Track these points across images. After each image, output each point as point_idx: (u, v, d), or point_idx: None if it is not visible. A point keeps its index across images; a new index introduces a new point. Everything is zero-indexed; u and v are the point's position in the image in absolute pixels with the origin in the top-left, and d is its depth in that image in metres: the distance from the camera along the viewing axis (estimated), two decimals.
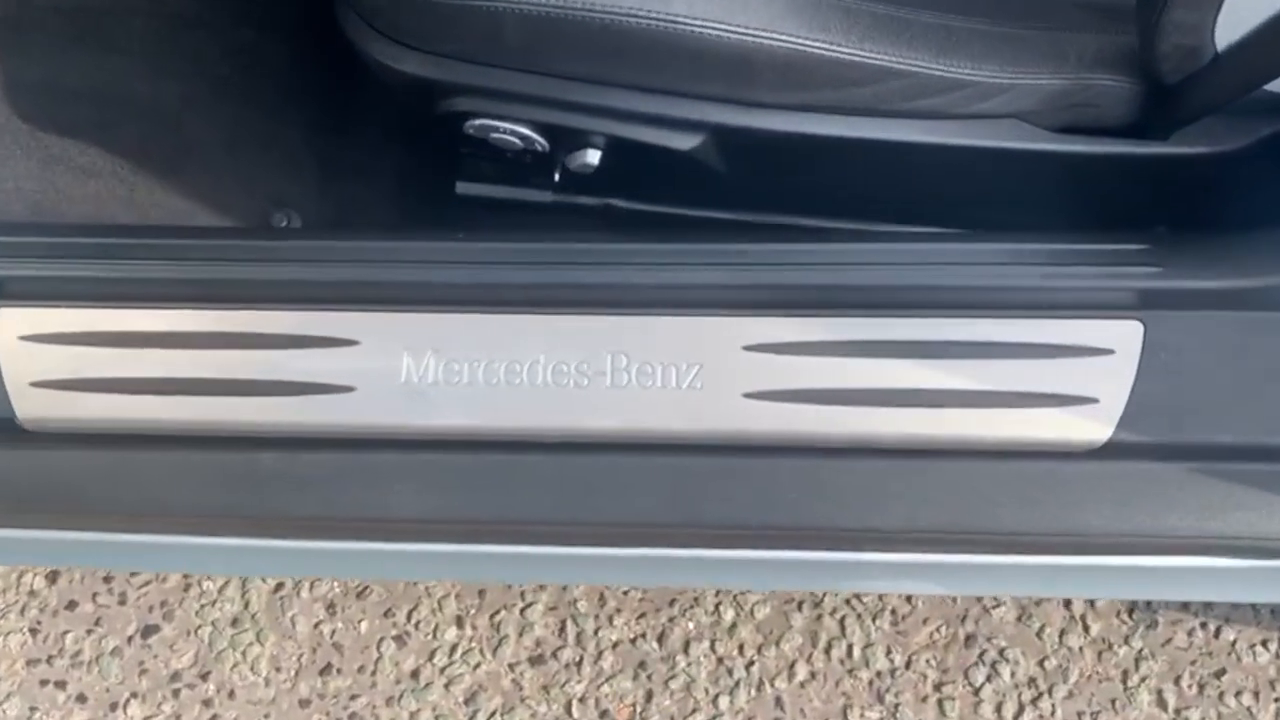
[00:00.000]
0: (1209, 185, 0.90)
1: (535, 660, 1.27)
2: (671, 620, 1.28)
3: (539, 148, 0.90)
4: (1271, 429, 0.77)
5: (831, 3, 0.79)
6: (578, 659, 1.27)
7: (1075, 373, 0.78)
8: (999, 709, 1.23)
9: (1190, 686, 1.24)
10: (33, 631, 1.30)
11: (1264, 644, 1.25)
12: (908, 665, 1.25)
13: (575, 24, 0.77)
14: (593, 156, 0.90)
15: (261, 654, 1.28)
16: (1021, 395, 0.78)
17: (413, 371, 0.81)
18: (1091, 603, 1.27)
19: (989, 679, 1.25)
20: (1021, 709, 1.23)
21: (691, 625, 1.28)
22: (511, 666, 1.27)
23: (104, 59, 1.10)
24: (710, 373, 0.80)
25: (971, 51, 0.81)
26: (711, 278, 0.81)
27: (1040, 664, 1.25)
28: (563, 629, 1.28)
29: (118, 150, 1.08)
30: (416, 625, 1.29)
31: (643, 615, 1.28)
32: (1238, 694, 1.23)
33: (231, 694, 1.27)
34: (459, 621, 1.29)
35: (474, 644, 1.28)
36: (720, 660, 1.26)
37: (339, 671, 1.27)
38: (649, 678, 1.26)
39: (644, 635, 1.27)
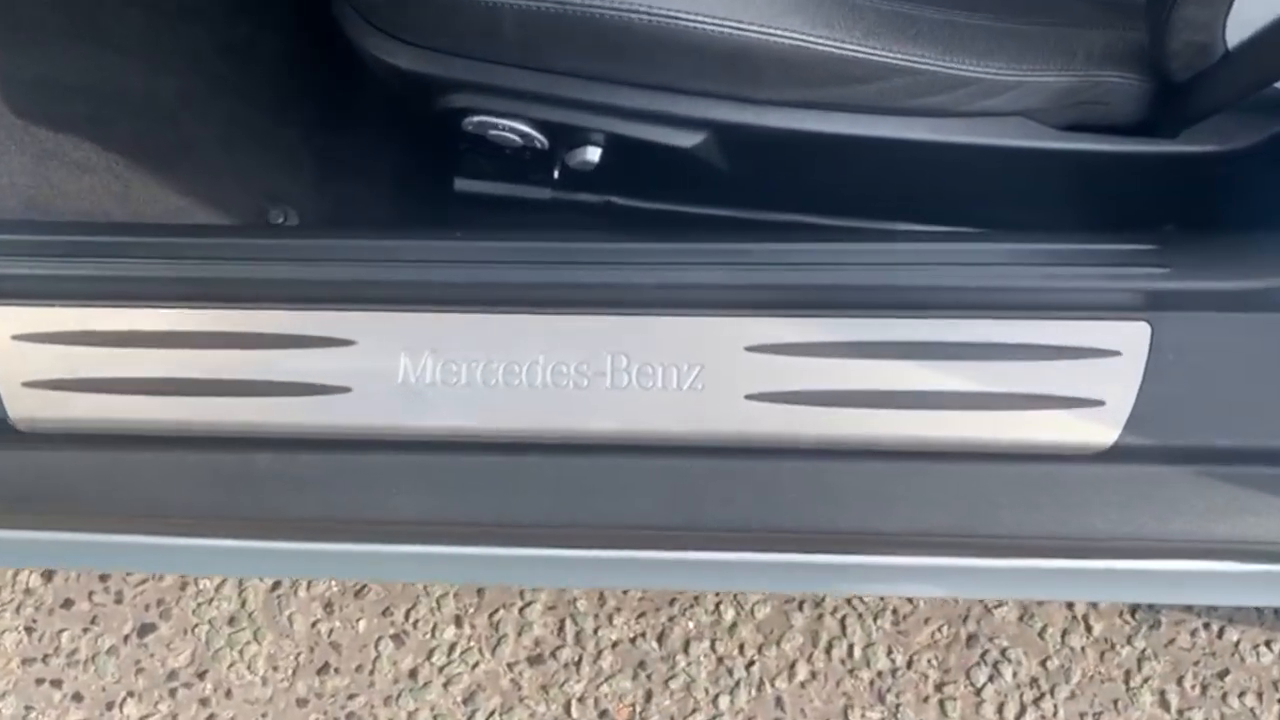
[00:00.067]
0: (1218, 184, 0.89)
1: (534, 660, 1.26)
2: (671, 620, 1.27)
3: (538, 145, 0.89)
4: None
5: None
6: (577, 658, 1.26)
7: (1081, 374, 0.78)
8: (1001, 709, 1.23)
9: (1193, 687, 1.23)
10: (28, 630, 1.29)
11: (1268, 644, 1.24)
12: (909, 665, 1.25)
13: (575, 20, 0.76)
14: (593, 154, 0.89)
15: (259, 653, 1.27)
16: (1026, 397, 0.77)
17: (410, 372, 0.80)
18: (1094, 603, 1.26)
19: (991, 679, 1.24)
20: (1023, 709, 1.23)
21: (691, 625, 1.27)
22: (510, 666, 1.26)
23: (99, 54, 1.09)
24: (711, 374, 0.79)
25: (977, 48, 0.80)
26: (713, 277, 0.80)
27: (1042, 664, 1.24)
28: (562, 628, 1.27)
29: (113, 146, 1.07)
30: (415, 624, 1.28)
31: (642, 614, 1.27)
32: (1241, 695, 1.22)
33: (229, 693, 1.26)
34: (457, 620, 1.28)
35: (472, 643, 1.27)
36: (720, 660, 1.25)
37: (337, 671, 1.26)
38: (649, 677, 1.25)
39: (644, 635, 1.27)
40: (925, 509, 0.78)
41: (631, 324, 0.80)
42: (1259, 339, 0.78)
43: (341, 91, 1.15)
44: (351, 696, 1.25)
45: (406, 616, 1.28)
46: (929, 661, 1.25)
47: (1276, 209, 0.81)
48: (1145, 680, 1.23)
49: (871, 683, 1.24)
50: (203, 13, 1.14)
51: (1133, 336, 0.78)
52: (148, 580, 1.31)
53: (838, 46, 0.78)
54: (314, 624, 1.28)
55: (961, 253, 0.81)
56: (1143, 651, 1.24)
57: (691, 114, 0.83)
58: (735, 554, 0.84)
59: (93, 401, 0.81)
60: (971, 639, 1.26)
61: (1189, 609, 1.26)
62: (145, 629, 1.29)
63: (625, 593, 1.28)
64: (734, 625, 1.27)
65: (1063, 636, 1.25)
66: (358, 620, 1.28)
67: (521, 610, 1.28)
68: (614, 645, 1.26)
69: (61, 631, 1.29)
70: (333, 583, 1.30)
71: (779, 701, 1.23)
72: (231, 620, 1.29)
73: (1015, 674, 1.24)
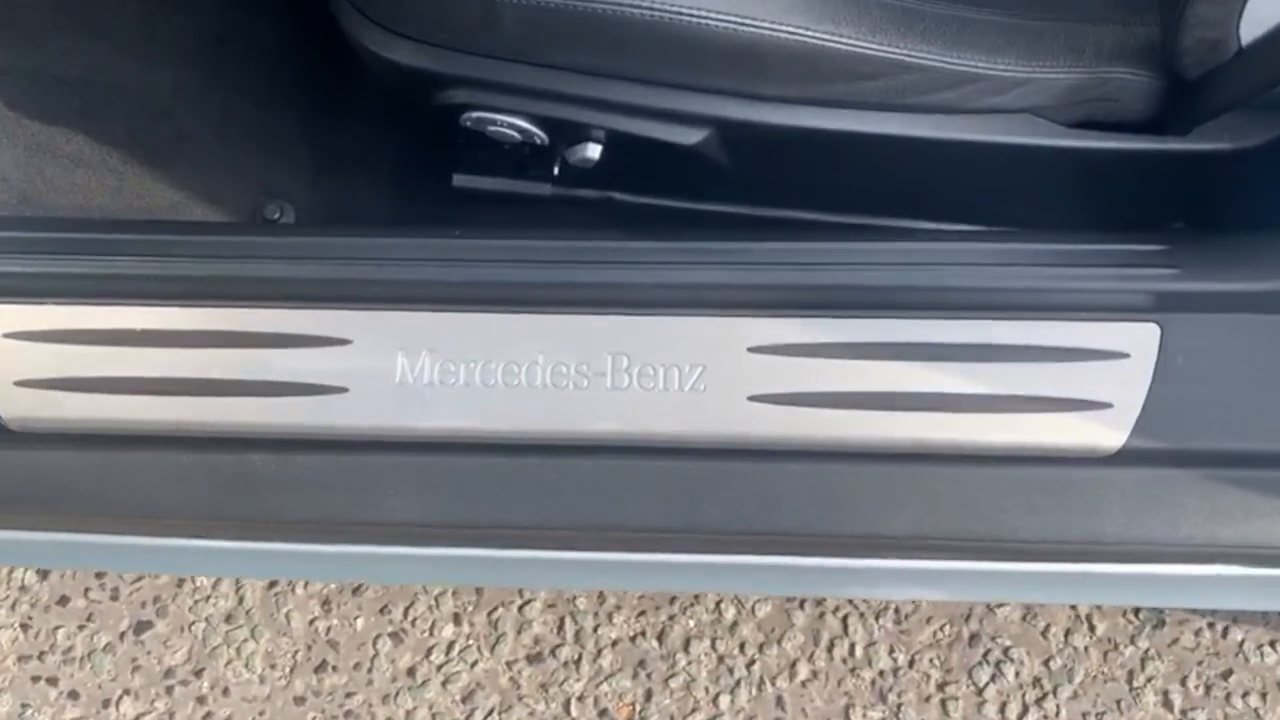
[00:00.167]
0: (1229, 182, 0.88)
1: (533, 658, 1.25)
2: (672, 618, 1.26)
3: (538, 141, 0.88)
4: None
5: None
6: (576, 657, 1.25)
7: (1088, 377, 0.77)
8: (1003, 709, 1.22)
9: (1197, 687, 1.22)
10: (24, 627, 1.28)
11: (1272, 644, 1.24)
12: (911, 664, 1.24)
13: (575, 15, 0.75)
14: (593, 151, 0.88)
15: (256, 651, 1.27)
16: (1033, 399, 0.77)
17: (408, 372, 0.79)
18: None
19: (993, 679, 1.23)
20: (1026, 709, 1.22)
21: (692, 623, 1.26)
22: (509, 664, 1.25)
23: (93, 46, 1.08)
24: (714, 374, 0.78)
25: (986, 44, 0.79)
26: (715, 277, 0.79)
27: (1045, 664, 1.24)
28: (561, 626, 1.26)
29: (106, 140, 1.06)
30: (413, 622, 1.27)
31: (643, 613, 1.27)
32: (1244, 695, 1.22)
33: (226, 691, 1.25)
34: (456, 619, 1.27)
35: (471, 641, 1.26)
36: (721, 659, 1.24)
37: (334, 669, 1.26)
38: (649, 676, 1.24)
39: (644, 633, 1.26)
40: (930, 512, 0.77)
41: (632, 324, 0.79)
42: (1269, 341, 0.77)
43: (338, 85, 1.14)
44: (349, 695, 1.25)
45: (405, 614, 1.27)
46: (931, 661, 1.24)
47: None
48: (1149, 680, 1.22)
49: (873, 682, 1.23)
50: (198, 5, 1.13)
51: (1141, 338, 0.77)
52: (144, 577, 1.30)
53: (842, 42, 0.76)
54: (312, 622, 1.28)
55: (967, 253, 0.80)
56: (1146, 651, 1.24)
57: (693, 110, 0.82)
58: (737, 557, 0.83)
59: (86, 401, 0.81)
60: (974, 638, 1.25)
61: (1193, 609, 1.25)
62: (142, 626, 1.28)
63: (625, 591, 1.27)
64: (735, 624, 1.26)
65: (1066, 636, 1.24)
66: (356, 618, 1.28)
67: (521, 608, 1.27)
68: (614, 644, 1.25)
69: (57, 629, 1.28)
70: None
71: (780, 701, 1.23)
72: (229, 618, 1.28)
73: (1018, 673, 1.23)
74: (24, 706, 1.25)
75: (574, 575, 1.02)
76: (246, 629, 1.27)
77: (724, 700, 1.23)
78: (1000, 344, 0.77)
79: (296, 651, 1.27)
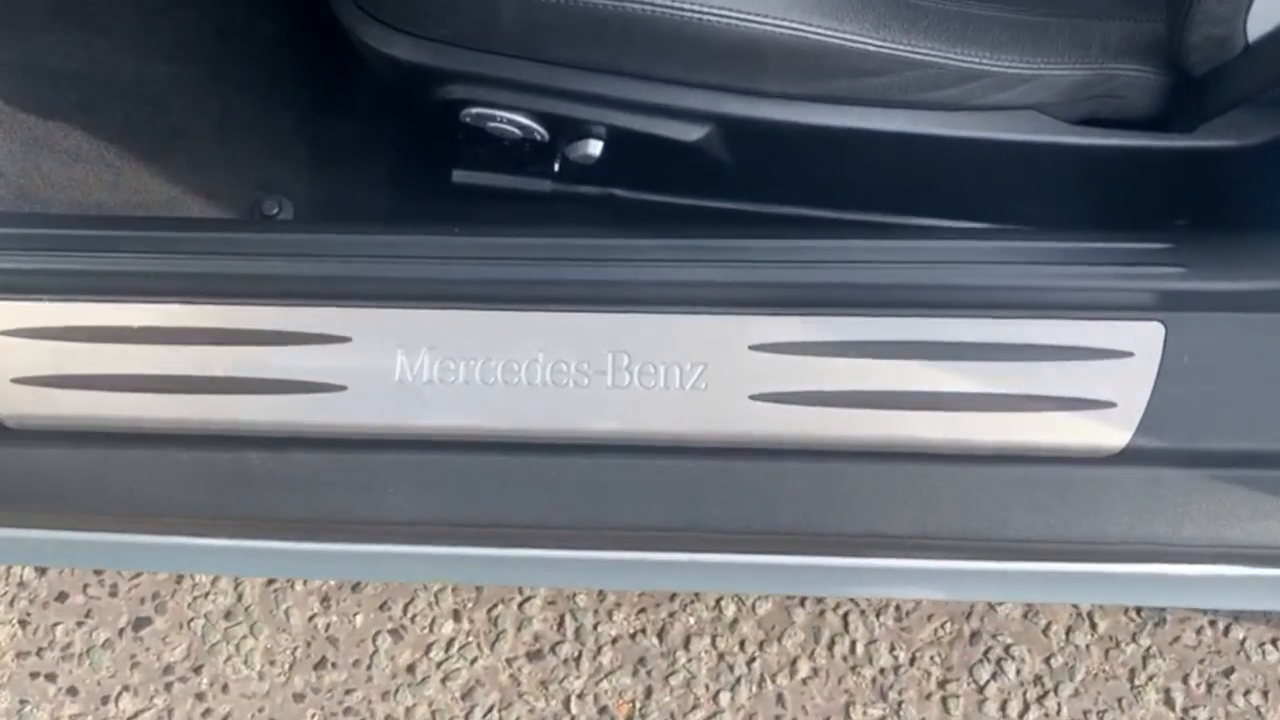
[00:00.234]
0: (1234, 180, 0.87)
1: (533, 655, 1.25)
2: (672, 615, 1.26)
3: (538, 137, 0.87)
4: None
5: None
6: (576, 654, 1.25)
7: (1093, 376, 0.76)
8: (1004, 707, 1.22)
9: (1198, 685, 1.22)
10: (22, 623, 1.28)
11: (1273, 642, 1.23)
12: (911, 662, 1.24)
13: (576, 10, 0.74)
14: (594, 147, 0.87)
15: (255, 647, 1.26)
16: (1037, 398, 0.76)
17: (407, 370, 0.79)
18: None
19: (994, 676, 1.23)
20: (1027, 707, 1.22)
21: (692, 620, 1.26)
22: (509, 662, 1.25)
23: (89, 39, 1.07)
24: (715, 373, 0.78)
25: (990, 40, 0.78)
26: (717, 275, 0.79)
27: (1046, 661, 1.23)
28: (561, 624, 1.26)
29: (103, 134, 1.05)
30: (413, 619, 1.27)
31: (643, 610, 1.26)
32: (1246, 693, 1.21)
33: (225, 688, 1.25)
34: (456, 616, 1.27)
35: (471, 638, 1.26)
36: (721, 656, 1.24)
37: (334, 666, 1.25)
38: (649, 674, 1.24)
39: (644, 630, 1.25)
40: (933, 511, 0.77)
41: (633, 322, 0.79)
42: (1274, 340, 0.76)
43: (337, 79, 1.13)
44: (349, 691, 1.24)
45: (404, 611, 1.27)
46: (932, 659, 1.24)
47: None
48: (1150, 678, 1.22)
49: (874, 680, 1.23)
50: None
51: (1146, 337, 0.76)
52: (142, 574, 1.29)
53: (845, 39, 0.76)
54: (311, 618, 1.27)
55: (970, 251, 0.79)
56: (1148, 649, 1.23)
57: (695, 107, 0.81)
58: (738, 556, 0.83)
59: (83, 398, 0.80)
60: (975, 636, 1.25)
61: (1195, 607, 1.25)
62: (140, 623, 1.28)
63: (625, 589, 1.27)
64: (735, 621, 1.25)
65: (1067, 634, 1.24)
66: (355, 615, 1.27)
67: (521, 605, 1.27)
68: (614, 641, 1.25)
69: (56, 625, 1.28)
70: None
71: (780, 698, 1.22)
72: (228, 614, 1.28)
73: (1019, 671, 1.23)
74: (22, 703, 1.25)
75: (574, 574, 1.01)
76: (246, 625, 1.27)
77: (724, 698, 1.22)
78: (1003, 343, 0.77)
79: (296, 648, 1.26)
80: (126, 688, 1.25)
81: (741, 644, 1.25)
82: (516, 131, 0.86)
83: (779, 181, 0.98)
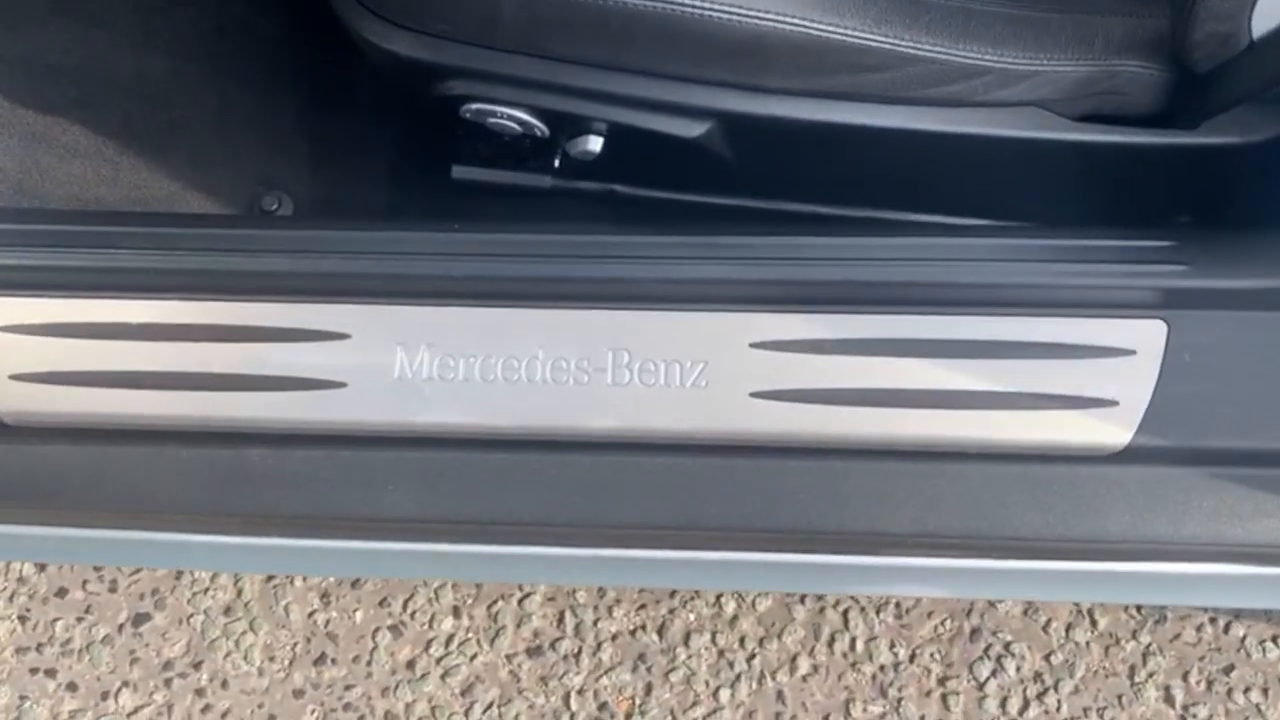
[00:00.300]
0: (1237, 177, 0.87)
1: (533, 651, 1.25)
2: (672, 612, 1.26)
3: (538, 133, 0.87)
4: None
5: None
6: (576, 650, 1.25)
7: (1095, 374, 0.76)
8: (1004, 704, 1.22)
9: (1198, 683, 1.22)
10: (22, 619, 1.28)
11: (1274, 640, 1.23)
12: (911, 659, 1.23)
13: (576, 6, 0.74)
14: (595, 143, 0.87)
15: (255, 643, 1.26)
16: (1038, 396, 0.76)
17: (406, 367, 0.79)
18: None
19: (994, 674, 1.23)
20: (1027, 704, 1.21)
21: (692, 617, 1.26)
22: (509, 658, 1.25)
23: (88, 33, 1.07)
24: (715, 370, 0.78)
25: (992, 36, 0.78)
26: (718, 272, 0.78)
27: (1046, 659, 1.23)
28: (561, 620, 1.26)
29: (102, 129, 1.05)
30: (412, 615, 1.27)
31: (643, 607, 1.26)
32: (1246, 690, 1.21)
33: (224, 684, 1.25)
34: (456, 612, 1.27)
35: (471, 634, 1.26)
36: (721, 653, 1.24)
37: (334, 661, 1.25)
38: (649, 670, 1.24)
39: (644, 627, 1.25)
40: (934, 510, 0.77)
41: (633, 319, 0.78)
42: (1276, 339, 0.76)
43: (337, 75, 1.12)
44: (349, 687, 1.24)
45: (404, 607, 1.27)
46: (932, 655, 1.23)
47: None
48: (1150, 675, 1.22)
49: (874, 677, 1.23)
50: None
51: (1148, 335, 0.76)
52: (142, 569, 1.29)
53: (847, 34, 0.75)
54: (310, 614, 1.27)
55: (972, 248, 0.79)
56: (1148, 646, 1.23)
57: (696, 103, 0.81)
58: (738, 554, 0.82)
59: (82, 395, 0.80)
60: (975, 633, 1.24)
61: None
62: (140, 618, 1.27)
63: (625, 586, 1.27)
64: (735, 618, 1.25)
65: (1067, 631, 1.24)
66: (355, 611, 1.27)
67: (520, 602, 1.27)
68: (614, 637, 1.25)
69: (55, 621, 1.28)
70: None
71: (780, 695, 1.22)
72: (227, 610, 1.27)
73: (1019, 668, 1.23)
74: (22, 698, 1.25)
75: (574, 572, 1.01)
76: (245, 621, 1.27)
77: (724, 694, 1.22)
78: (1005, 340, 0.76)
79: (295, 644, 1.26)
80: (126, 683, 1.25)
81: (741, 641, 1.24)
82: (517, 127, 0.86)
83: (780, 178, 0.98)
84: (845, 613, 1.25)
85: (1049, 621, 1.25)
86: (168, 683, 1.25)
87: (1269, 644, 1.23)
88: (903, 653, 1.24)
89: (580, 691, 1.23)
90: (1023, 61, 0.78)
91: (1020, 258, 0.78)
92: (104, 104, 1.05)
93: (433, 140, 1.04)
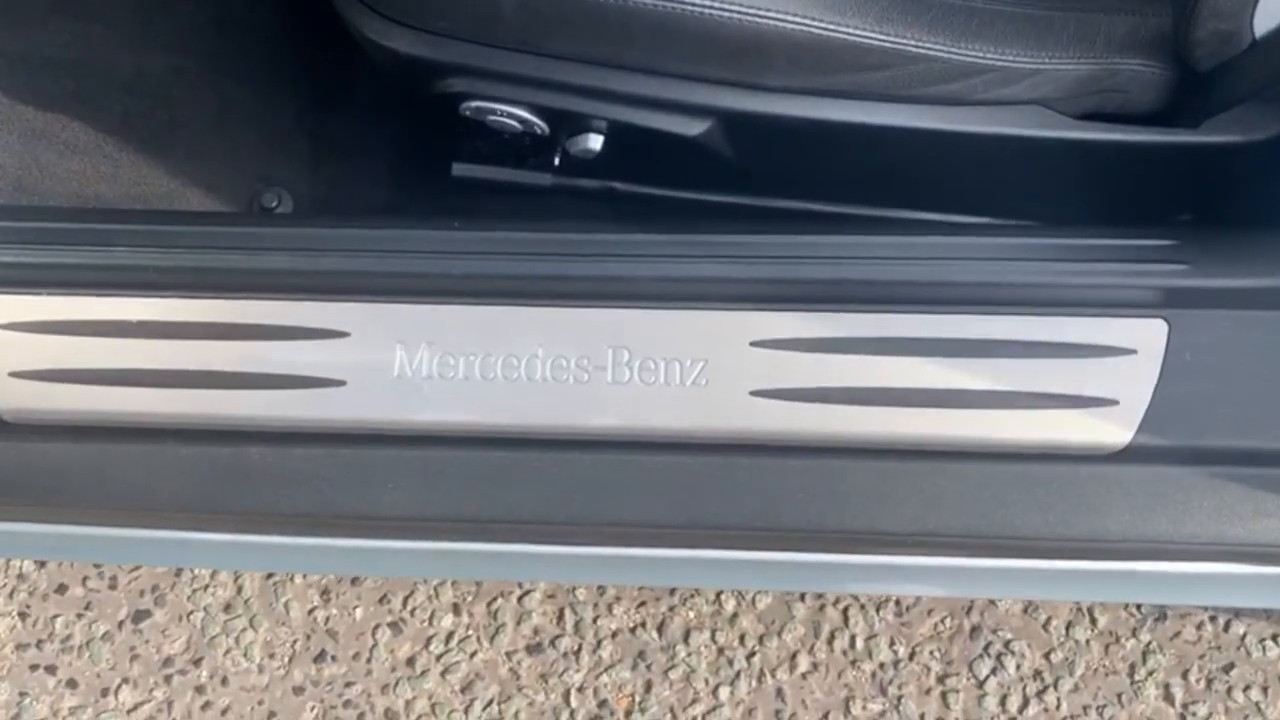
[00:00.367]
0: (1239, 175, 0.87)
1: (533, 649, 1.25)
2: (672, 609, 1.26)
3: (538, 131, 0.86)
4: None
5: None
6: (576, 648, 1.25)
7: (1095, 373, 0.76)
8: (1003, 702, 1.22)
9: (1198, 681, 1.22)
10: (22, 616, 1.28)
11: (1274, 638, 1.23)
12: (911, 657, 1.24)
13: (577, 4, 0.74)
14: (595, 141, 0.86)
15: (255, 640, 1.26)
16: (1039, 396, 0.76)
17: (406, 365, 0.79)
18: None
19: (994, 671, 1.23)
20: (1026, 702, 1.22)
21: (692, 614, 1.26)
22: (509, 655, 1.25)
23: (87, 29, 1.07)
24: (716, 369, 0.77)
25: (994, 34, 0.77)
26: (718, 271, 0.78)
27: (1046, 657, 1.23)
28: (561, 617, 1.26)
29: (102, 125, 1.05)
30: (412, 612, 1.27)
31: (642, 604, 1.26)
32: (1246, 689, 1.21)
33: (224, 680, 1.25)
34: (456, 609, 1.27)
35: (471, 632, 1.26)
36: (721, 650, 1.24)
37: (333, 658, 1.25)
38: (648, 667, 1.24)
39: (643, 624, 1.25)
40: (934, 509, 0.77)
41: (633, 317, 0.78)
42: (1277, 338, 0.76)
43: (337, 71, 1.12)
44: (349, 684, 1.24)
45: (404, 604, 1.27)
46: (931, 653, 1.23)
47: None
48: (1150, 673, 1.22)
49: (873, 674, 1.23)
50: None
51: (1149, 334, 0.76)
52: (142, 566, 1.29)
53: (848, 33, 0.75)
54: (310, 611, 1.27)
55: (973, 247, 0.79)
56: (1148, 645, 1.23)
57: (696, 101, 0.81)
58: (739, 553, 0.82)
59: (82, 393, 0.80)
60: (975, 631, 1.24)
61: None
62: (140, 615, 1.28)
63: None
64: (735, 615, 1.25)
65: (1067, 629, 1.24)
66: (355, 608, 1.27)
67: (520, 599, 1.27)
68: (614, 635, 1.25)
69: (55, 617, 1.28)
70: None
71: (780, 693, 1.22)
72: (227, 607, 1.27)
73: (1018, 666, 1.23)
74: (22, 695, 1.25)
75: (574, 570, 1.01)
76: (245, 618, 1.27)
77: (724, 692, 1.22)
78: (1005, 339, 0.76)
79: (295, 641, 1.26)
80: (126, 680, 1.25)
81: (741, 638, 1.24)
82: (517, 125, 0.86)
83: (780, 176, 0.98)
84: (845, 610, 1.25)
85: (1049, 619, 1.25)
86: (168, 679, 1.25)
87: (1269, 642, 1.23)
88: (902, 650, 1.24)
89: (580, 689, 1.23)
90: (1024, 60, 0.78)
91: (1021, 256, 0.78)
92: (104, 100, 1.05)
93: (433, 138, 1.04)
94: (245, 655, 1.26)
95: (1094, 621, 1.24)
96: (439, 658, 1.25)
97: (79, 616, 1.28)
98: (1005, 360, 0.76)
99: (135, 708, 1.24)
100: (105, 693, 1.25)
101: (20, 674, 1.26)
